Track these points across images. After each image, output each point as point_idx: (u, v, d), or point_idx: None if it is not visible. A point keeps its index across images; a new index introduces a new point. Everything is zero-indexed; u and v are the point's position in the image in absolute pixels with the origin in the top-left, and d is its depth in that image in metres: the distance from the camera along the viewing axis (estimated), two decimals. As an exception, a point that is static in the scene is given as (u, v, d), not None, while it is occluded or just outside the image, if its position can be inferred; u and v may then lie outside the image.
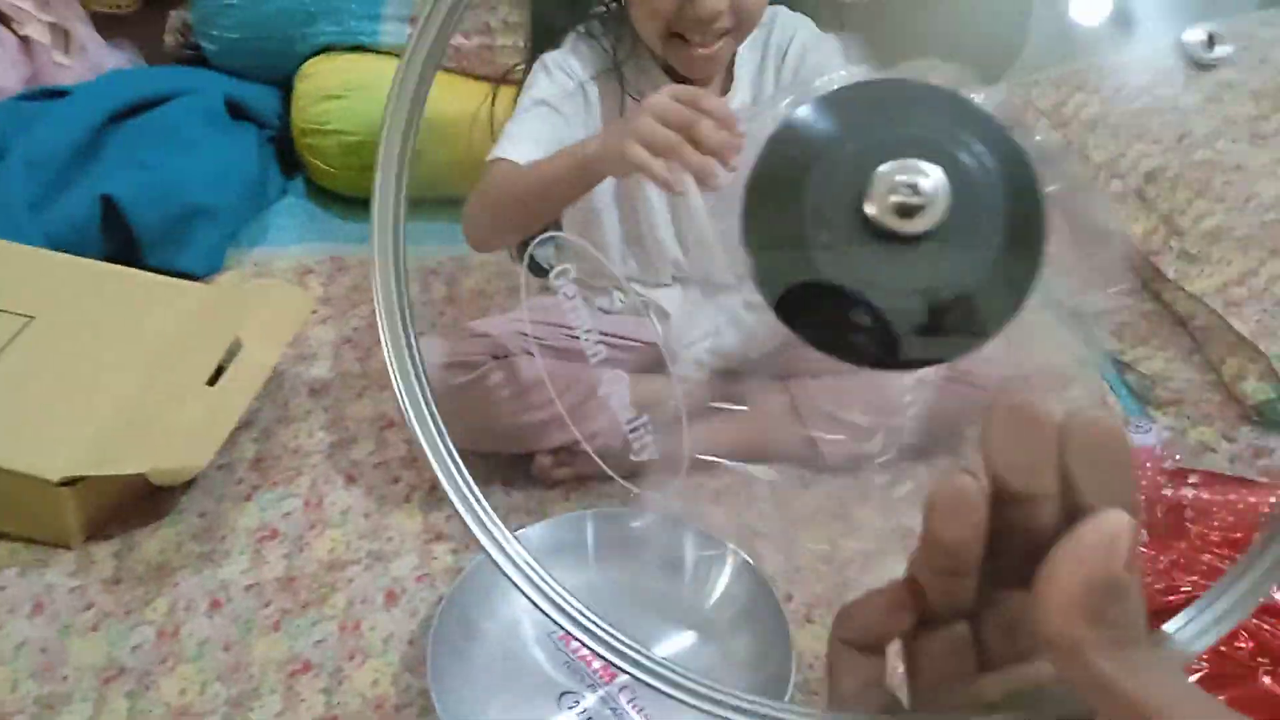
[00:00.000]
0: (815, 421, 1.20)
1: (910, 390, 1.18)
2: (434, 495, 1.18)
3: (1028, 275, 0.35)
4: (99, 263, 1.31)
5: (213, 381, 1.17)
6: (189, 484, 1.17)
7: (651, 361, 1.26)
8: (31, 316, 1.21)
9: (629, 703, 0.95)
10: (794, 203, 0.36)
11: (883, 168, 0.34)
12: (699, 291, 1.26)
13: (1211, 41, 1.54)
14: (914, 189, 0.34)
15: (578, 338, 1.23)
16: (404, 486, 1.19)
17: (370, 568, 1.09)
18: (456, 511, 0.40)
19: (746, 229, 0.39)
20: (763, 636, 1.00)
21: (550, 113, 1.15)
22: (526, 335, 1.18)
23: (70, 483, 1.06)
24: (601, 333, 1.23)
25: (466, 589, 0.99)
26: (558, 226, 1.22)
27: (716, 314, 1.25)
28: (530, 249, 1.20)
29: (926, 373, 1.18)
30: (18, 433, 1.09)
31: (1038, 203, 0.35)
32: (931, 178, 0.34)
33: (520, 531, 1.05)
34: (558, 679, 0.97)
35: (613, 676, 0.96)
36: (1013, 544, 0.35)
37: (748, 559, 1.05)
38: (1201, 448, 1.27)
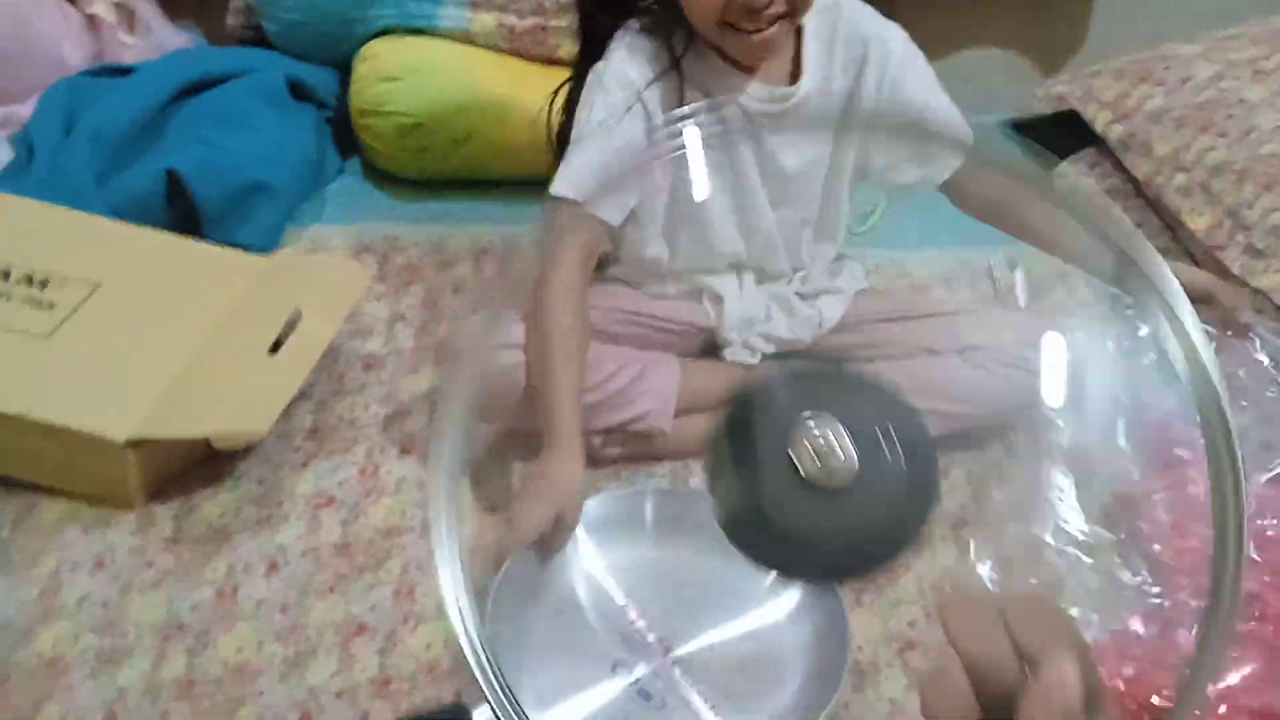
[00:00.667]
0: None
1: (965, 378, 1.17)
2: (488, 466, 1.19)
3: (924, 513, 0.47)
4: (163, 233, 1.33)
5: (273, 352, 1.18)
6: (247, 451, 1.18)
7: (703, 346, 1.27)
8: (98, 283, 1.24)
9: (681, 676, 0.96)
10: (744, 459, 0.48)
11: (808, 423, 0.47)
12: (753, 279, 1.26)
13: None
14: (829, 448, 0.47)
15: (631, 321, 1.25)
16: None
17: (425, 536, 1.11)
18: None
19: (708, 473, 0.49)
20: (819, 620, 0.99)
21: (608, 137, 1.11)
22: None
23: (135, 445, 1.09)
24: (654, 316, 1.24)
25: (525, 557, 1.00)
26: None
27: (770, 300, 1.25)
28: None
29: (985, 359, 1.17)
30: (85, 395, 1.12)
31: (932, 466, 0.48)
32: (843, 442, 0.47)
33: (592, 499, 1.05)
34: (612, 649, 0.97)
35: (667, 649, 0.97)
36: (999, 704, 0.41)
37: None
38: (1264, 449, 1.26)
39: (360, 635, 1.00)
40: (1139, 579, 1.04)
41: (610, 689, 0.94)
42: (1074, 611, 1.03)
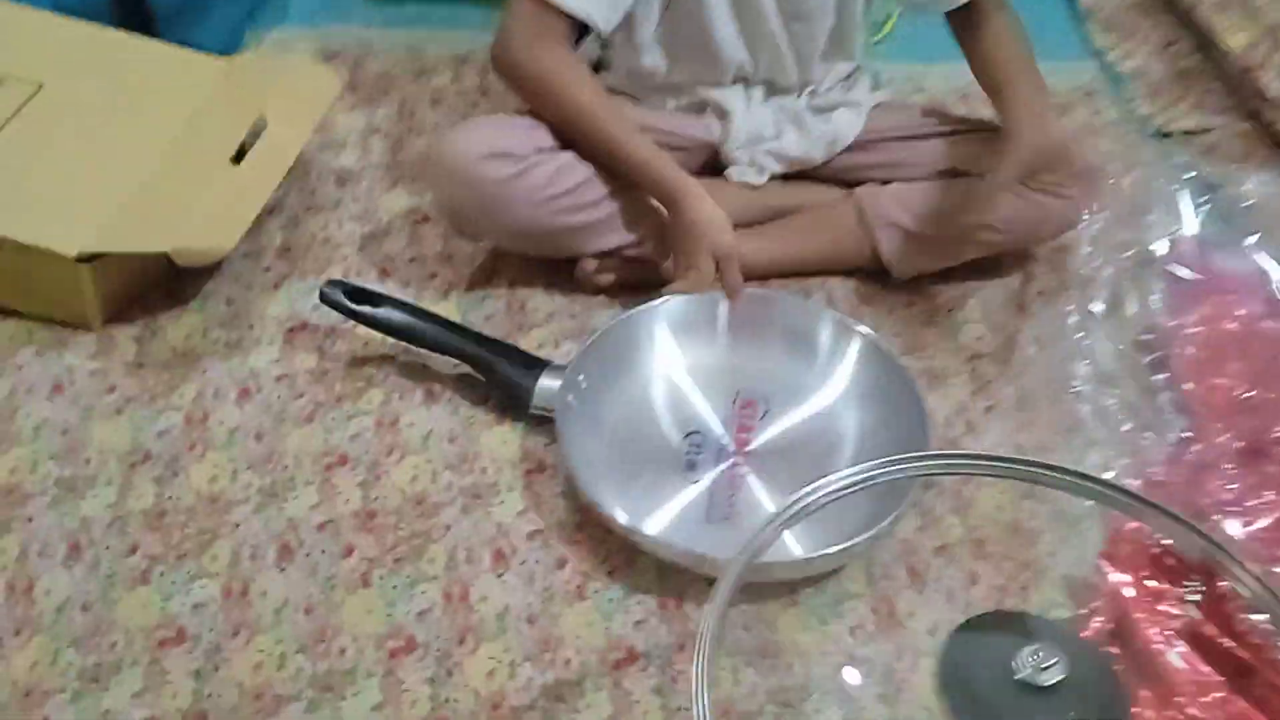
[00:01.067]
0: (883, 230, 1.12)
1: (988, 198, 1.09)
2: (472, 292, 1.11)
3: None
4: (112, 30, 1.20)
5: (236, 162, 1.08)
6: (214, 269, 1.10)
7: (707, 163, 1.17)
8: (40, 84, 1.12)
9: (751, 473, 0.95)
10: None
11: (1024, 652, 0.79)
12: (761, 93, 1.15)
13: None
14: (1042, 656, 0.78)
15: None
16: (440, 283, 1.12)
17: (407, 365, 1.03)
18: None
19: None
20: (893, 403, 0.99)
21: None
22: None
23: (88, 259, 0.99)
24: (654, 129, 1.13)
25: (600, 348, 0.99)
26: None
27: (779, 115, 1.15)
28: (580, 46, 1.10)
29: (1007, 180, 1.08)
30: (32, 207, 1.02)
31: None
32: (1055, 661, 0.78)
33: (661, 304, 1.04)
34: (683, 446, 0.97)
35: (743, 444, 0.97)
36: None
37: (875, 336, 1.03)
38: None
39: (342, 466, 0.94)
40: (1168, 419, 0.99)
41: (682, 486, 0.94)
42: (1101, 452, 0.99)
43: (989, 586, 0.90)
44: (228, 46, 1.38)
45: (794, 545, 0.88)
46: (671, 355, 1.04)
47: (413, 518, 0.91)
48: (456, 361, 1.01)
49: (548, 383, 0.97)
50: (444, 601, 0.85)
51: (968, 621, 0.86)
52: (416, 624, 0.84)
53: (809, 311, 1.07)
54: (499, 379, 0.98)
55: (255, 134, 1.12)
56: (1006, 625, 0.87)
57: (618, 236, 1.08)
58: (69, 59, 1.15)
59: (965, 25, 1.12)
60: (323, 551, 0.88)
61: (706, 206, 1.01)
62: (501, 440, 0.98)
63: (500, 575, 0.87)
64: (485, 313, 1.09)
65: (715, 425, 0.99)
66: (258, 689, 0.79)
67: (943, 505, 0.96)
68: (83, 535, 0.88)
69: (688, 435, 0.98)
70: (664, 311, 1.04)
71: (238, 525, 0.89)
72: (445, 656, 0.82)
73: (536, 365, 0.98)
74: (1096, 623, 0.87)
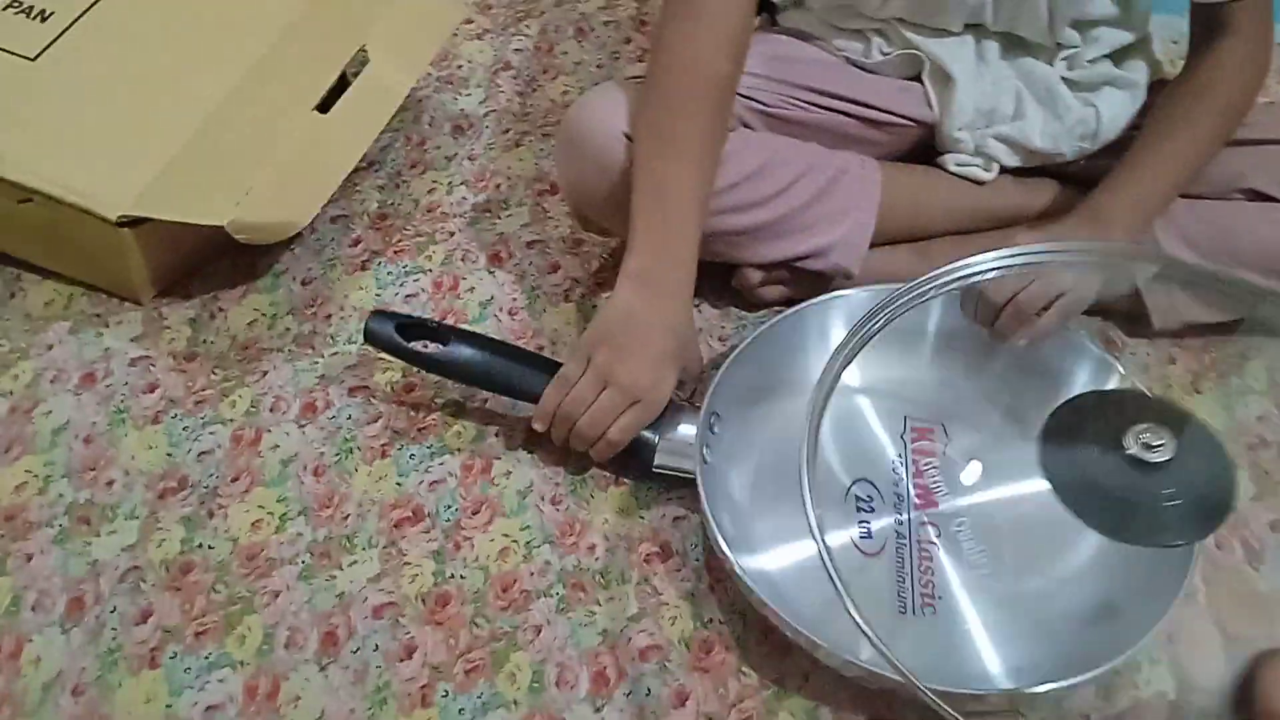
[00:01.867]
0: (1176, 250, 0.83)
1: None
2: (600, 294, 0.88)
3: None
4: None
5: (326, 107, 0.86)
6: (293, 238, 0.89)
7: (917, 145, 0.90)
8: (103, -7, 0.92)
9: (935, 539, 0.73)
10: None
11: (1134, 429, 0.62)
12: (999, 50, 0.86)
13: None
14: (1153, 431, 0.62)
15: (819, 105, 0.88)
16: (563, 278, 0.89)
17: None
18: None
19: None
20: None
21: None
22: (745, 96, 0.83)
23: (133, 223, 0.80)
24: (850, 100, 0.86)
25: (756, 351, 0.78)
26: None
27: (1022, 86, 0.86)
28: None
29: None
30: (74, 153, 0.83)
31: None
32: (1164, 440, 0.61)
33: (847, 295, 0.81)
34: (854, 487, 0.76)
35: (927, 495, 0.75)
36: None
37: (1141, 386, 0.79)
38: None
39: (415, 525, 0.74)
40: None
41: (843, 536, 0.73)
42: None
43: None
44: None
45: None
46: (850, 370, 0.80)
47: (495, 611, 0.70)
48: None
49: (675, 432, 0.74)
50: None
51: (1071, 399, 0.73)
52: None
53: (1063, 338, 0.80)
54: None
55: (354, 71, 0.90)
56: (1111, 403, 0.76)
57: (791, 244, 0.83)
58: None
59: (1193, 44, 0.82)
60: (375, 648, 0.68)
61: (672, 309, 0.74)
62: (617, 508, 0.76)
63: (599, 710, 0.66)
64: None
65: (889, 466, 0.76)
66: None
67: None
68: (89, 586, 0.70)
69: (855, 483, 0.75)
70: (842, 307, 0.81)
71: (277, 595, 0.70)
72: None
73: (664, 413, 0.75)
74: None
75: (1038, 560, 0.73)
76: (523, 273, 0.90)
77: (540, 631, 0.69)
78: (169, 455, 0.77)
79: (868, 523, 0.73)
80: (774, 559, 0.71)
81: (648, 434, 0.74)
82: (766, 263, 0.84)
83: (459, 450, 0.78)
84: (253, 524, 0.73)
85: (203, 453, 0.77)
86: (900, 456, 0.77)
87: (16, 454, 0.76)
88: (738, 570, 0.66)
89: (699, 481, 0.70)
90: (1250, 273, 0.83)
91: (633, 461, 0.75)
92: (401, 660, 0.67)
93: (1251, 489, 0.79)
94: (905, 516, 0.74)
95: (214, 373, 0.82)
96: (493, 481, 0.76)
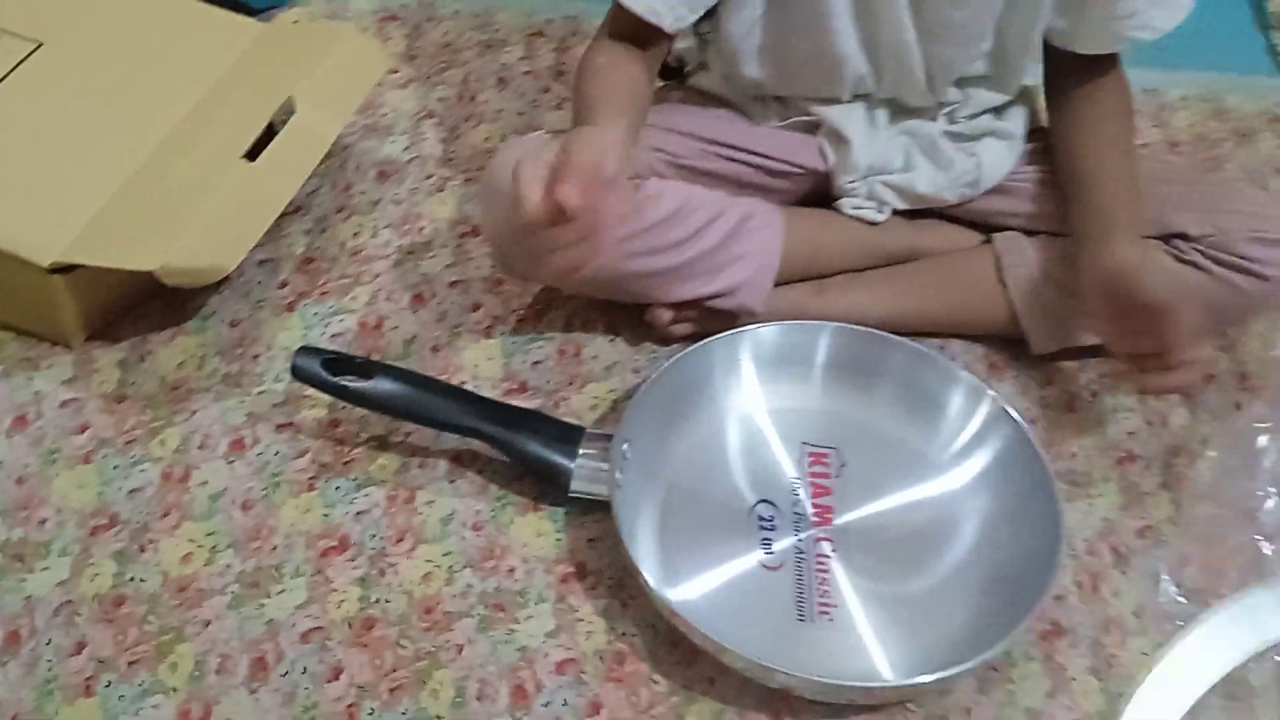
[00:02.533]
0: (1024, 291, 0.91)
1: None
2: (520, 332, 0.93)
3: None
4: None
5: (254, 155, 0.91)
6: (221, 281, 0.93)
7: (815, 191, 0.96)
8: (40, 42, 0.95)
9: (833, 551, 0.79)
10: None
11: None
12: (888, 114, 0.93)
13: None
14: None
15: (724, 155, 0.94)
16: (484, 316, 0.94)
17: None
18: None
19: None
20: (1020, 501, 0.81)
21: None
22: (656, 149, 0.89)
23: (65, 269, 0.83)
24: (751, 151, 0.93)
25: (666, 381, 0.83)
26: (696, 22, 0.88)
27: (909, 142, 0.93)
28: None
29: (1198, 253, 0.88)
30: (6, 199, 0.86)
31: None
32: None
33: (752, 330, 0.88)
34: (756, 507, 0.81)
35: (824, 513, 0.81)
36: None
37: (1009, 409, 0.84)
38: None
39: (340, 554, 0.78)
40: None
41: (747, 551, 0.79)
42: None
43: None
44: (270, 1, 1.21)
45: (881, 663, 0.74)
46: (751, 395, 0.87)
47: (419, 632, 0.74)
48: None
49: (589, 459, 0.79)
50: (446, 751, 0.69)
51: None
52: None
53: (939, 368, 0.87)
54: (528, 459, 0.80)
55: (282, 119, 0.94)
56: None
57: (702, 284, 0.88)
58: (76, 14, 0.98)
59: (1070, 83, 0.90)
60: (304, 671, 0.71)
61: (597, 132, 0.73)
62: (535, 531, 0.80)
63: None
64: (533, 358, 0.91)
65: (789, 486, 0.82)
66: None
67: (1078, 662, 0.77)
68: (24, 621, 0.73)
69: (758, 503, 0.81)
70: (748, 341, 0.87)
71: (207, 624, 0.73)
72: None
73: (573, 436, 0.80)
74: None
75: (921, 565, 0.80)
76: (445, 311, 0.94)
77: (462, 650, 0.73)
78: (100, 494, 0.80)
79: (770, 539, 0.79)
80: (684, 574, 0.76)
81: (564, 461, 0.79)
82: (677, 301, 0.90)
83: (384, 482, 0.82)
84: (183, 557, 0.77)
85: (133, 490, 0.80)
86: (799, 478, 0.83)
87: (-53, 496, 0.79)
88: (649, 584, 0.71)
89: (613, 505, 0.75)
90: None
91: (549, 487, 0.80)
92: (329, 681, 0.71)
93: (1120, 499, 0.87)
94: (804, 534, 0.79)
95: (144, 413, 0.85)
96: (416, 510, 0.80)
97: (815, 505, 0.81)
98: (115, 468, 0.81)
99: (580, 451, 0.79)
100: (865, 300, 0.93)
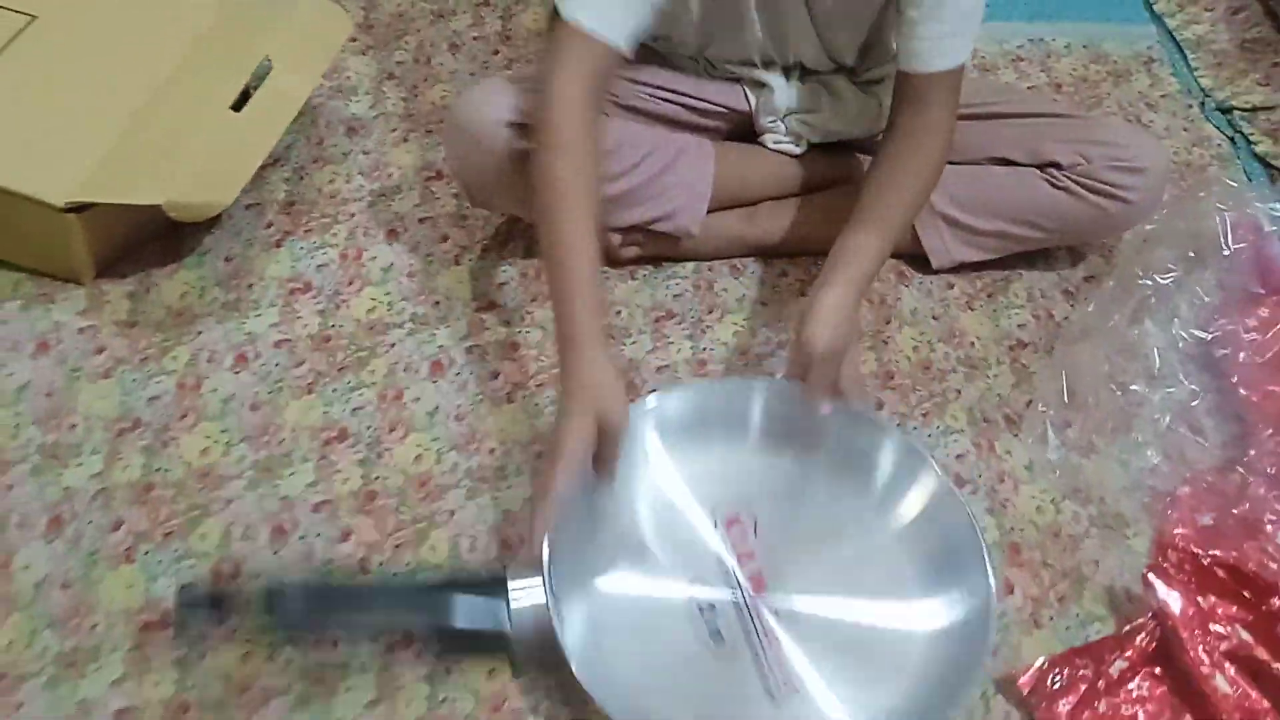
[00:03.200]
0: (924, 216, 1.04)
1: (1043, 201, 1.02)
2: (486, 258, 1.05)
3: None
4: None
5: (237, 107, 1.01)
6: (212, 223, 1.03)
7: (740, 128, 1.09)
8: (34, 16, 1.05)
9: (773, 621, 0.79)
10: None
11: None
12: (798, 73, 1.06)
13: None
14: None
15: (660, 97, 1.06)
16: (452, 246, 1.06)
17: (414, 333, 0.97)
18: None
19: None
20: (957, 577, 0.80)
21: None
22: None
23: (78, 210, 0.93)
24: (687, 95, 1.05)
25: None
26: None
27: (818, 89, 1.06)
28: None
29: (1069, 179, 1.01)
30: (19, 151, 0.95)
31: None
32: None
33: (668, 393, 0.87)
34: (687, 578, 0.81)
35: (758, 587, 0.80)
36: None
37: (953, 487, 0.84)
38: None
39: (341, 442, 0.89)
40: (1218, 425, 0.93)
41: (680, 626, 0.78)
42: (1148, 453, 0.93)
43: (1024, 597, 0.85)
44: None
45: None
46: (662, 470, 0.85)
47: (415, 500, 0.86)
48: (466, 332, 0.95)
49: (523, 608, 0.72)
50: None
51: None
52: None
53: (871, 428, 0.87)
54: (463, 636, 0.74)
55: (259, 78, 1.04)
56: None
57: (643, 210, 1.01)
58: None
59: (902, 105, 0.96)
60: (318, 535, 0.83)
61: (600, 370, 0.78)
62: (511, 419, 0.92)
63: None
64: (498, 280, 1.03)
65: (716, 560, 0.82)
66: (244, 682, 0.75)
67: (977, 506, 0.90)
68: (65, 507, 0.83)
69: (691, 588, 0.80)
70: (651, 414, 0.85)
71: (229, 501, 0.84)
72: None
73: (499, 589, 0.73)
74: (1140, 640, 0.82)
75: (874, 618, 0.80)
76: (417, 243, 1.05)
77: (454, 514, 0.85)
78: (122, 402, 0.90)
79: (715, 624, 0.78)
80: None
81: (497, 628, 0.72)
82: (624, 226, 1.02)
83: (374, 384, 0.93)
84: (202, 451, 0.87)
85: (152, 398, 0.90)
86: (723, 545, 0.82)
87: (-14, 405, 0.89)
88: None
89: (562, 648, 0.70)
90: (1004, 223, 1.05)
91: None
92: (340, 542, 0.82)
93: (1012, 379, 1.01)
94: (743, 604, 0.79)
95: (154, 335, 0.95)
96: (405, 406, 0.92)
97: (748, 573, 0.80)
98: (134, 381, 0.91)
99: (510, 605, 0.72)
100: (789, 223, 1.06)
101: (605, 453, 0.76)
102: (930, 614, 0.80)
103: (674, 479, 0.86)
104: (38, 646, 0.75)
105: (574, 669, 0.69)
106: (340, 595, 0.76)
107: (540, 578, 0.72)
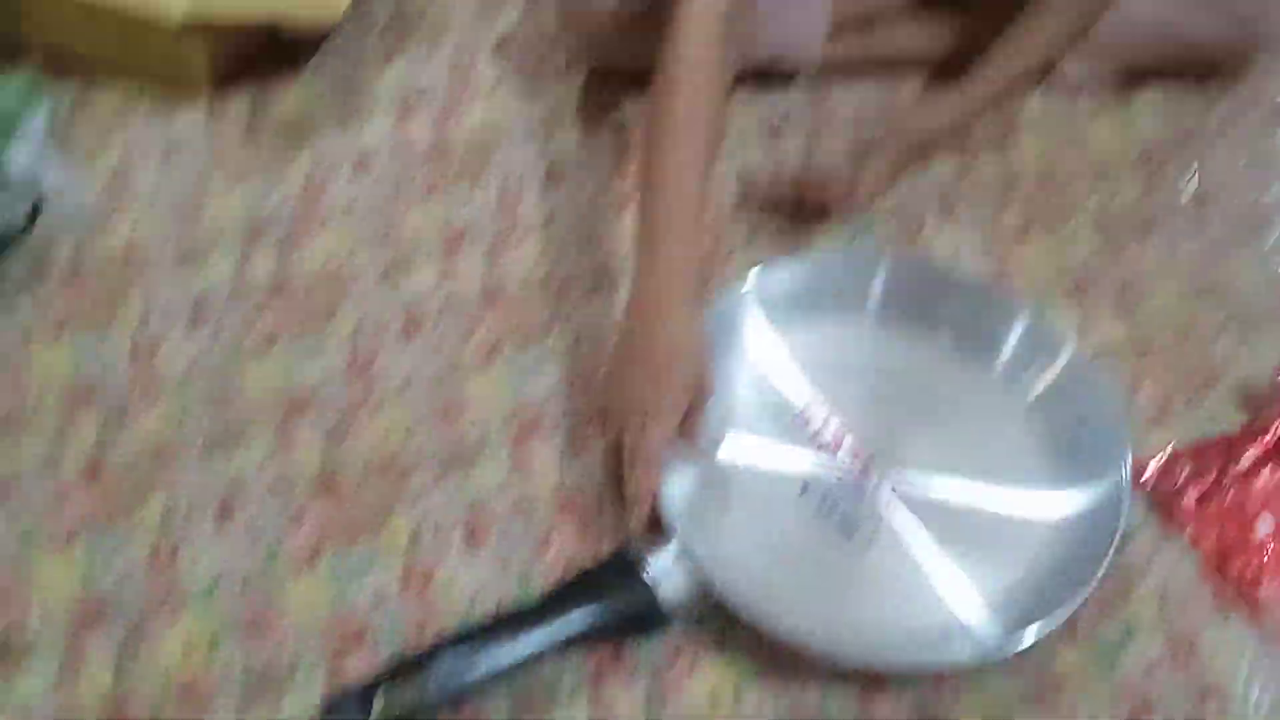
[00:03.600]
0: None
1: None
2: (591, 77, 1.03)
3: None
4: None
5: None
6: (321, 40, 1.03)
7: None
8: None
9: (900, 504, 0.75)
10: None
11: None
12: None
13: None
14: None
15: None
16: (557, 63, 1.04)
17: (525, 144, 0.97)
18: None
19: None
20: (1094, 445, 0.77)
21: None
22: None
23: (194, 26, 0.94)
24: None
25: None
26: None
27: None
28: None
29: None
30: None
31: None
32: None
33: (777, 270, 0.83)
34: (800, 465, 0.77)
35: (870, 470, 0.76)
36: None
37: (1089, 362, 0.81)
38: None
39: (461, 241, 0.90)
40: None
41: (797, 518, 0.74)
42: None
43: (1152, 395, 0.84)
44: None
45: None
46: (771, 345, 0.81)
47: (538, 298, 0.87)
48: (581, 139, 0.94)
49: (661, 566, 0.68)
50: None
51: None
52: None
53: (995, 304, 0.83)
54: (618, 619, 0.68)
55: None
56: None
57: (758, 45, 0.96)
58: None
59: None
60: (443, 333, 0.84)
61: (690, 334, 0.73)
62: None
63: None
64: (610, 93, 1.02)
65: (832, 443, 0.77)
66: (385, 461, 0.77)
67: (1103, 306, 0.89)
68: (204, 300, 0.85)
69: (801, 494, 0.75)
70: (782, 279, 0.83)
71: (365, 295, 0.86)
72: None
73: (631, 568, 0.68)
74: (1275, 430, 0.80)
75: (997, 499, 0.76)
76: (521, 57, 1.04)
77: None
78: (248, 209, 0.91)
79: (833, 505, 0.75)
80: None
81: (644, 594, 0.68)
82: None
83: (486, 190, 0.94)
84: (327, 255, 0.89)
85: (276, 205, 0.92)
86: (835, 424, 0.78)
87: (122, 213, 0.91)
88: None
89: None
90: None
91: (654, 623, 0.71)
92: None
93: (1140, 187, 0.98)
94: (860, 483, 0.75)
95: (274, 146, 0.96)
96: (518, 214, 0.92)
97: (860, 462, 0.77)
98: (258, 188, 0.93)
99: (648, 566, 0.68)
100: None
101: (691, 416, 0.73)
102: (1057, 500, 0.76)
103: (782, 356, 0.82)
104: (189, 427, 0.78)
105: (733, 605, 0.67)
106: (481, 643, 0.66)
107: (662, 541, 0.69)
